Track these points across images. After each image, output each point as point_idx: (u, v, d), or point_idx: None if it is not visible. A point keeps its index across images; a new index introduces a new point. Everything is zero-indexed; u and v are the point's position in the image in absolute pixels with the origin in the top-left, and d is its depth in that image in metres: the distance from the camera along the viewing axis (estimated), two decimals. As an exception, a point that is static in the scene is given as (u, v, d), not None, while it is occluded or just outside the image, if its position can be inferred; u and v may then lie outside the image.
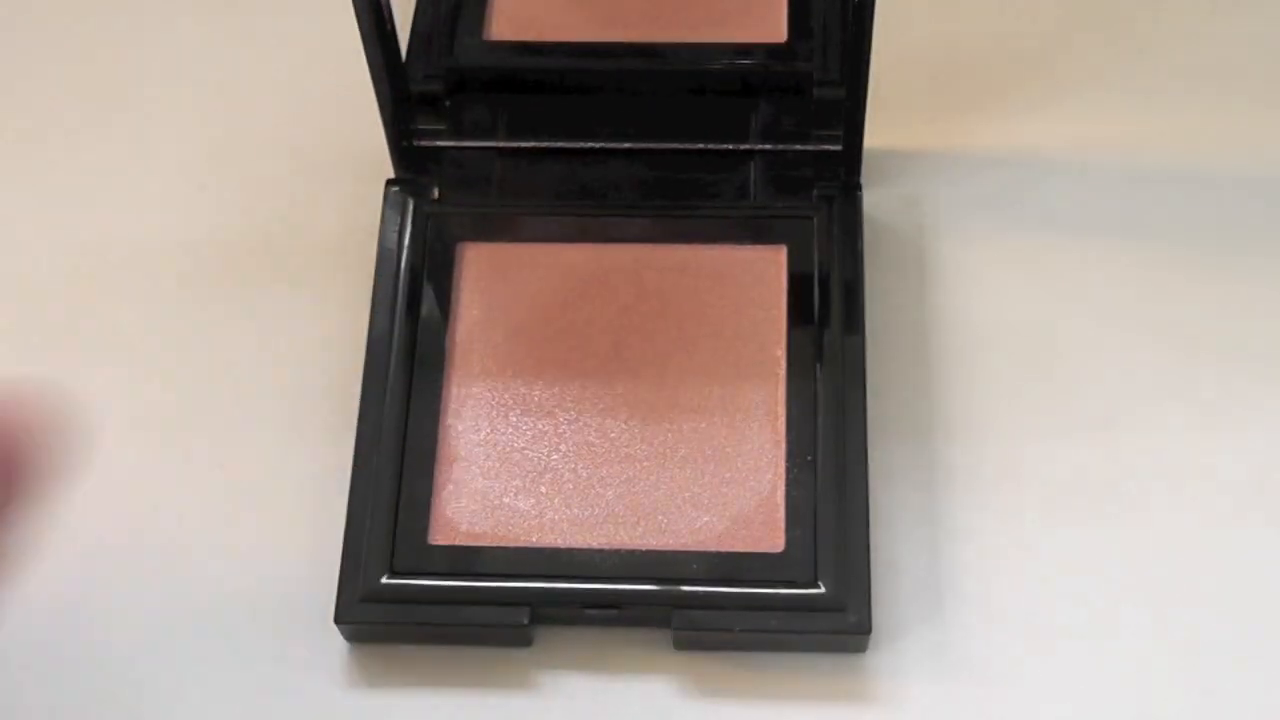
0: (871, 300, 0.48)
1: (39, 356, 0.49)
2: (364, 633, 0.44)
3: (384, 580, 0.43)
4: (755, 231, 0.48)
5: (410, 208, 0.49)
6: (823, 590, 0.43)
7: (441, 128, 0.50)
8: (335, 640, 0.44)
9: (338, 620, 0.43)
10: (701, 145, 0.49)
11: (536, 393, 0.46)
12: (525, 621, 0.43)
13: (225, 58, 0.55)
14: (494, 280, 0.48)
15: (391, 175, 0.50)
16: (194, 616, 0.45)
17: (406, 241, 0.48)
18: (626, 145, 0.49)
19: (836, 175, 0.49)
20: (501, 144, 0.50)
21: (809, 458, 0.44)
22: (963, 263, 0.50)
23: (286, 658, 0.44)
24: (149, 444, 0.48)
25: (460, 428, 0.46)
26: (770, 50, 0.51)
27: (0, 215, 0.52)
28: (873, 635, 0.43)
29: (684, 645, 0.44)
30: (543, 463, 0.45)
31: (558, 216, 0.49)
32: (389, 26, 0.46)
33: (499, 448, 0.45)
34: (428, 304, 0.47)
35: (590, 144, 0.49)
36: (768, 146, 0.49)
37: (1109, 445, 0.46)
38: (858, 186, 0.49)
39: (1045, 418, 0.47)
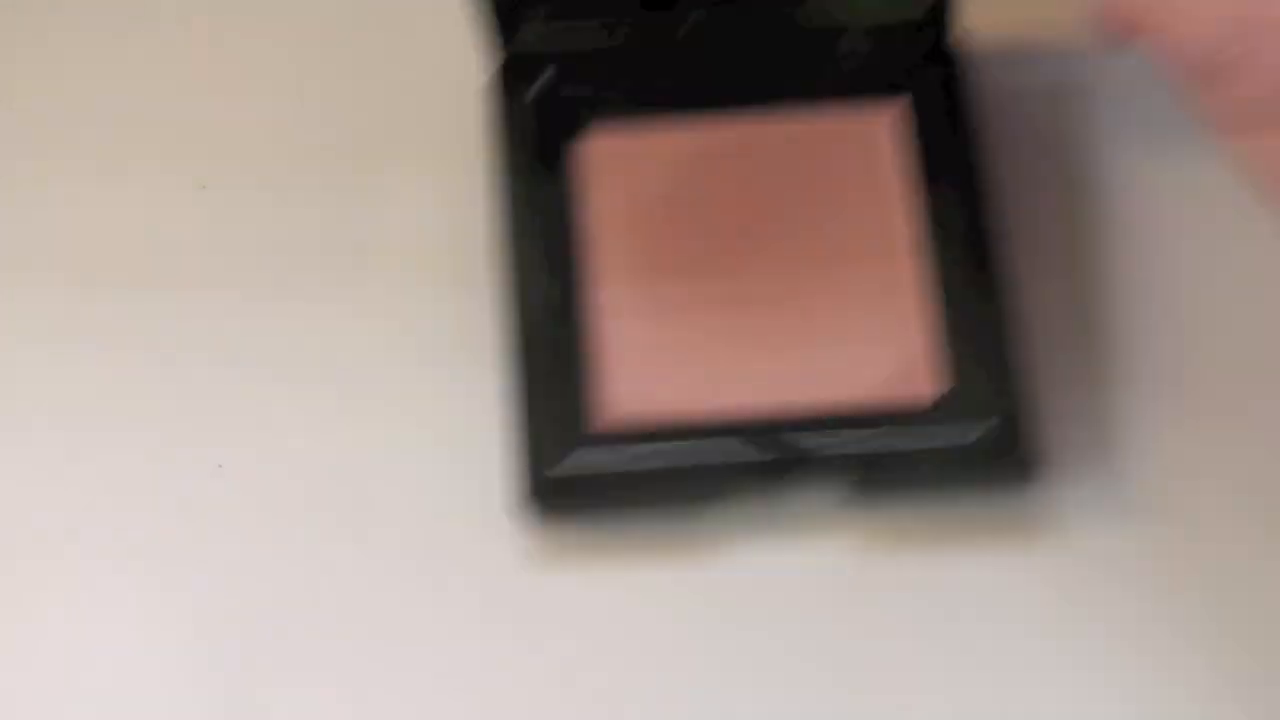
0: (993, 156, 0.48)
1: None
2: (542, 519, 0.44)
3: (560, 463, 0.44)
4: (864, 93, 0.48)
5: (516, 99, 0.48)
6: (990, 429, 0.43)
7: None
8: (510, 530, 0.45)
9: (515, 509, 0.44)
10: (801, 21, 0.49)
11: (671, 284, 0.47)
12: (701, 491, 0.44)
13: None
14: (611, 171, 0.48)
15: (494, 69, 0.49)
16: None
17: (517, 134, 0.48)
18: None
19: (940, 33, 0.49)
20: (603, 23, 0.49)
21: (958, 300, 0.45)
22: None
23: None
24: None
25: (611, 309, 0.46)
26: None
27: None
28: (1041, 474, 0.44)
29: (858, 500, 0.44)
30: (697, 334, 0.46)
31: (669, 91, 0.49)
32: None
33: (651, 323, 0.46)
34: (550, 193, 0.47)
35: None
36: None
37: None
38: (964, 43, 0.49)
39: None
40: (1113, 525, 0.44)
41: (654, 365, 0.45)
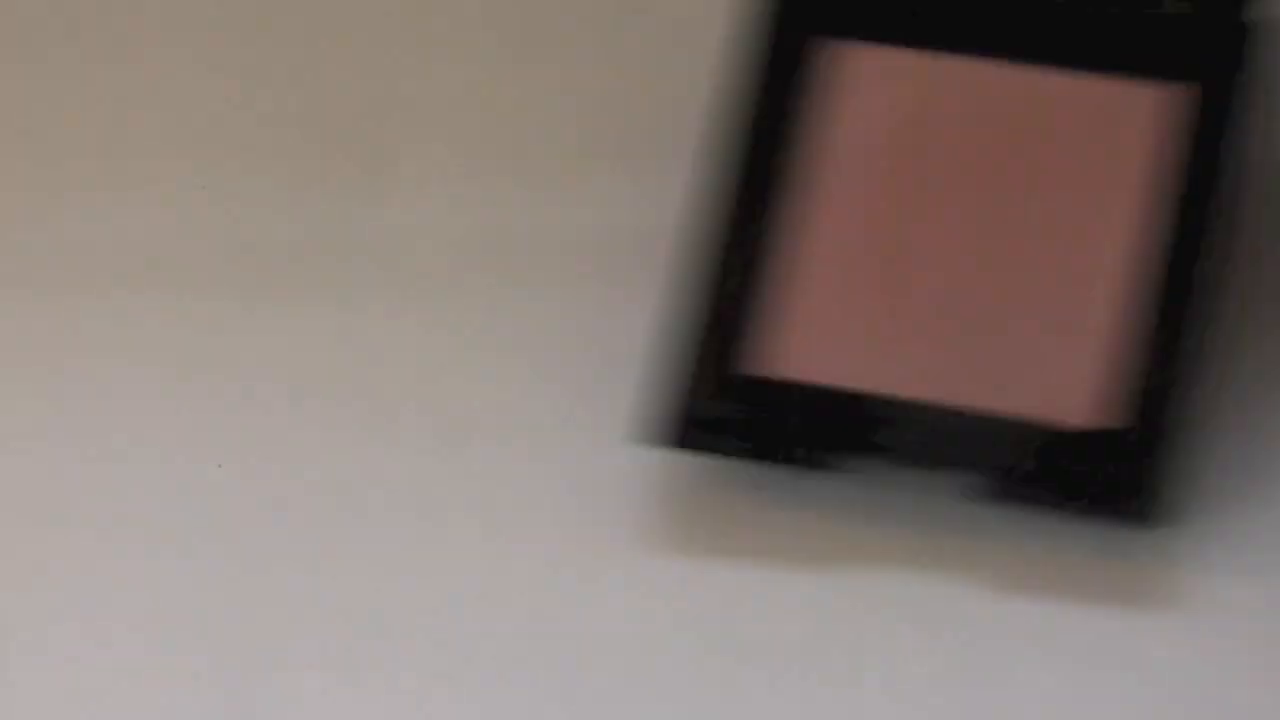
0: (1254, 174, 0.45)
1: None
2: (679, 454, 0.43)
3: (706, 401, 0.43)
4: (1157, 65, 0.44)
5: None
6: (1143, 472, 0.41)
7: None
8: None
9: (653, 443, 0.43)
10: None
11: (884, 228, 0.44)
12: (830, 466, 0.43)
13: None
14: (863, 90, 0.45)
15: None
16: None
17: (765, 31, 0.45)
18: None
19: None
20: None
21: (1155, 331, 0.42)
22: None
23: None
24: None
25: (802, 251, 0.44)
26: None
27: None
28: (1186, 520, 0.42)
29: (988, 510, 0.43)
30: (880, 302, 0.44)
31: (941, 17, 0.45)
32: None
33: (840, 281, 0.44)
34: (787, 107, 0.45)
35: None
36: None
37: None
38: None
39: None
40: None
41: (825, 325, 0.44)
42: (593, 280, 0.47)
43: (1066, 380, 0.43)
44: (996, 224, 0.44)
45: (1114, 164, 0.44)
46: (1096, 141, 0.45)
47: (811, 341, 0.44)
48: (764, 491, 0.44)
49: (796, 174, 0.45)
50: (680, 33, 0.49)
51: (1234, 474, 0.44)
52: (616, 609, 0.43)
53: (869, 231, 0.44)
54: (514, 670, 0.43)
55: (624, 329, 0.46)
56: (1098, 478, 0.42)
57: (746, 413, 0.43)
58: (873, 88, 0.46)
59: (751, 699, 0.42)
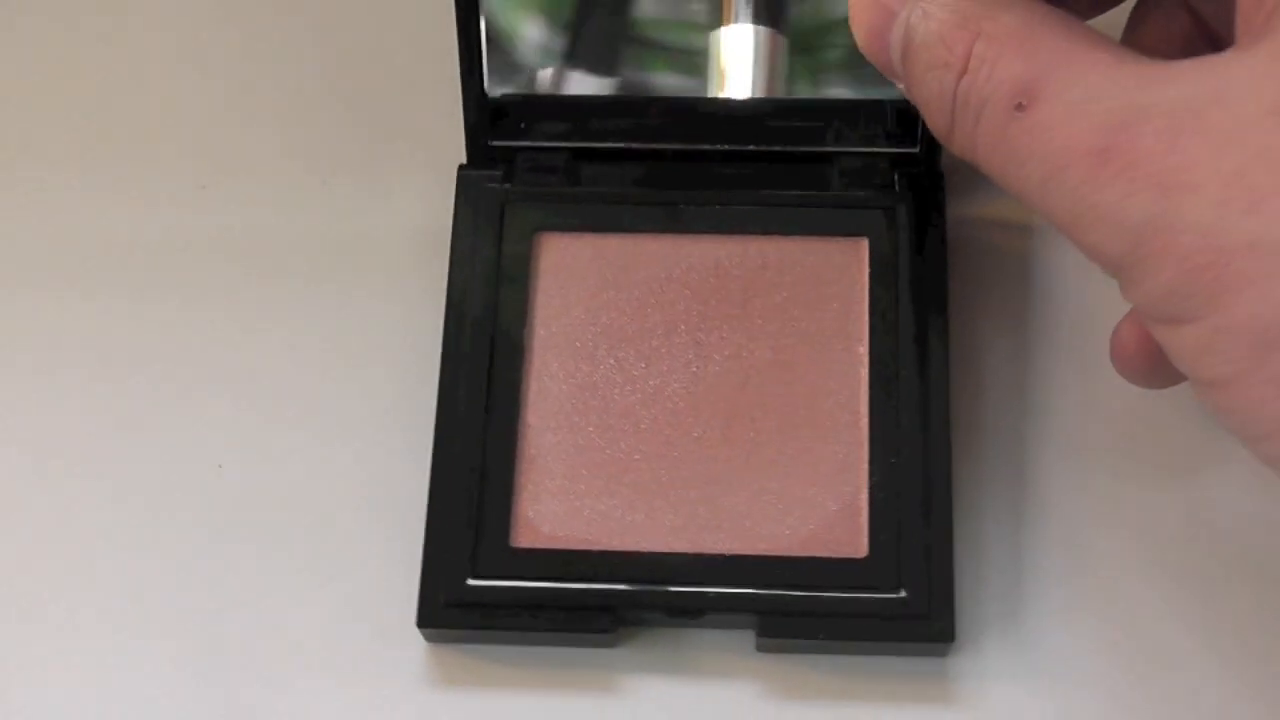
0: (957, 293, 0.47)
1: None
2: (447, 636, 0.44)
3: (467, 583, 0.43)
4: (836, 223, 0.47)
5: (485, 197, 0.48)
6: (905, 596, 0.43)
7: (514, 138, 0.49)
8: (417, 643, 0.44)
9: (421, 624, 0.44)
10: (780, 148, 0.48)
11: (616, 391, 0.46)
12: (608, 626, 0.43)
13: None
14: (572, 274, 0.47)
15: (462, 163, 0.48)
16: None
17: (483, 231, 0.47)
18: (703, 147, 0.48)
19: (917, 164, 0.48)
20: (575, 145, 0.49)
21: (892, 460, 0.44)
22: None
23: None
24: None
25: (539, 426, 0.46)
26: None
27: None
28: (952, 640, 0.43)
29: (767, 649, 0.44)
30: (623, 463, 0.45)
31: (636, 206, 0.48)
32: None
33: (579, 447, 0.45)
34: (505, 297, 0.47)
35: (665, 146, 0.49)
36: (847, 149, 0.48)
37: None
38: (940, 175, 0.48)
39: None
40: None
41: (578, 491, 0.45)
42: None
43: (826, 518, 0.44)
44: (721, 377, 0.46)
45: (819, 311, 0.46)
46: (802, 293, 0.47)
47: (565, 509, 0.44)
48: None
49: (526, 353, 0.46)
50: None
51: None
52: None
53: (594, 399, 0.46)
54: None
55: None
56: (872, 605, 0.43)
57: (514, 587, 0.43)
58: (579, 269, 0.47)
59: None
